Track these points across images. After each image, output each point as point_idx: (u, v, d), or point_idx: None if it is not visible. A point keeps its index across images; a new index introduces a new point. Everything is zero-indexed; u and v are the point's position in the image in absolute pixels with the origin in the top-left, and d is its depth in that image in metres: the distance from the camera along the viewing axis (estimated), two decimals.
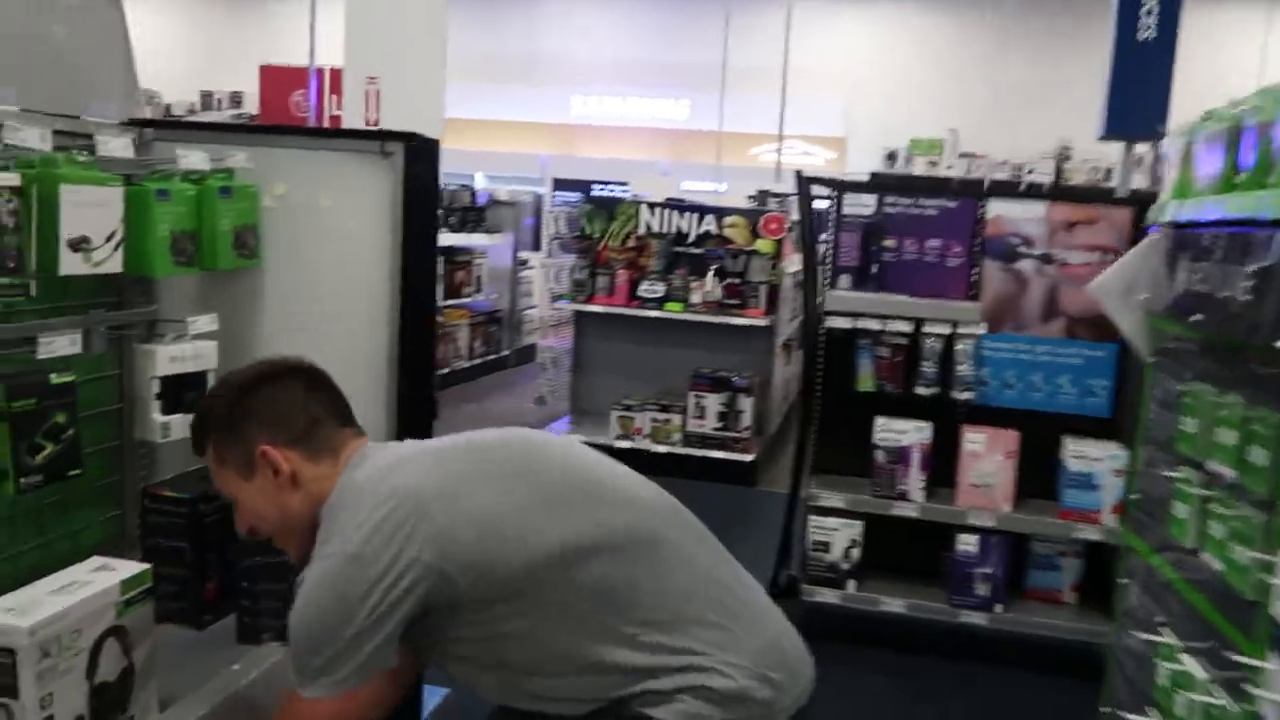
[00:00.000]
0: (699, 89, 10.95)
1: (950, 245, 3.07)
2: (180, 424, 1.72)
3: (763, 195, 6.46)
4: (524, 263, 8.08)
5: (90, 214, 1.51)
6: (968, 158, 13.07)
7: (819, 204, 3.30)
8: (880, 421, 2.95)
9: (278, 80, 13.38)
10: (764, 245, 5.16)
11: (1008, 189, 3.45)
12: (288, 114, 13.22)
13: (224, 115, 14.48)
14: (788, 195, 6.31)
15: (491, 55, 12.98)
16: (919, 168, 12.62)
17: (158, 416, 1.69)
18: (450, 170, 10.31)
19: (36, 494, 1.50)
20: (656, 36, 13.43)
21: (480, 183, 10.17)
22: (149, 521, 1.67)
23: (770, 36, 10.42)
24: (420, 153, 1.87)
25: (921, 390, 2.95)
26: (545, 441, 1.39)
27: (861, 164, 12.75)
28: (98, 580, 1.36)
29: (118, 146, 1.50)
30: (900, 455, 2.92)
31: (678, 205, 5.49)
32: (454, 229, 6.89)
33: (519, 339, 8.00)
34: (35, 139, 1.36)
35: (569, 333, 5.79)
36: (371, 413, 1.79)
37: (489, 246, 7.50)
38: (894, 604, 2.97)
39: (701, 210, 5.36)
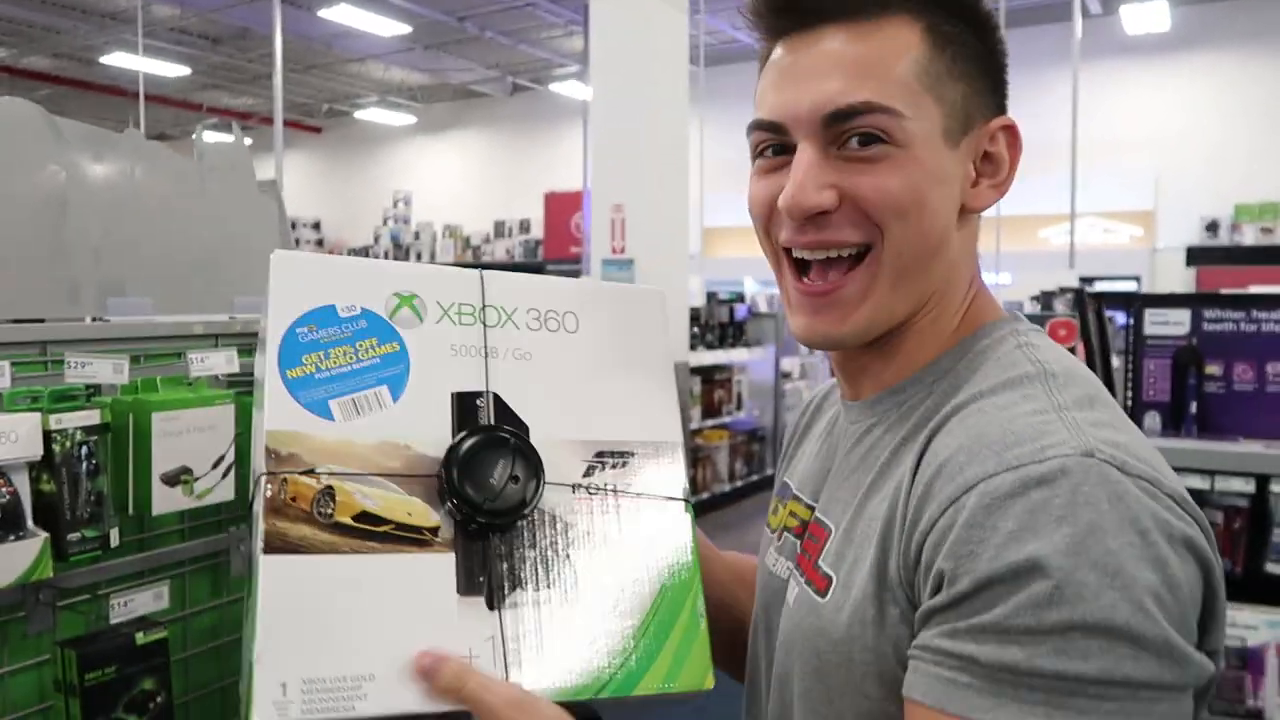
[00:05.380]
0: None
1: None
2: None
3: (1046, 297, 5.68)
4: (787, 375, 7.70)
5: (193, 440, 1.34)
6: None
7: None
8: None
9: (559, 206, 14.29)
10: None
11: None
12: (569, 236, 14.03)
13: (514, 241, 15.62)
14: (1080, 291, 5.51)
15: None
16: (1249, 237, 10.95)
17: None
18: (718, 278, 10.28)
19: None
20: None
21: (750, 287, 10.03)
22: None
23: (1062, 106, 9.49)
24: None
25: (1274, 568, 2.21)
26: None
27: (1174, 238, 11.27)
28: None
29: (216, 362, 1.33)
30: (1248, 659, 2.18)
31: None
32: (711, 346, 6.68)
33: None
34: (110, 371, 1.21)
35: None
36: None
37: (749, 361, 7.22)
38: None
39: None
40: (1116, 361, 2.79)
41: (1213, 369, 2.38)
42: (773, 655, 0.80)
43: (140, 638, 1.27)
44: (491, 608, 0.66)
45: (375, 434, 0.67)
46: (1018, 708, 0.56)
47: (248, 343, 1.73)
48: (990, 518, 0.59)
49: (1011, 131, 0.76)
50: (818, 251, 0.72)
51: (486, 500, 0.66)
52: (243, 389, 1.56)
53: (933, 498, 0.63)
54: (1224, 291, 3.29)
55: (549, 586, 0.68)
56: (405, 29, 11.82)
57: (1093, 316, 2.53)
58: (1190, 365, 2.38)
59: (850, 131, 0.69)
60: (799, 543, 0.80)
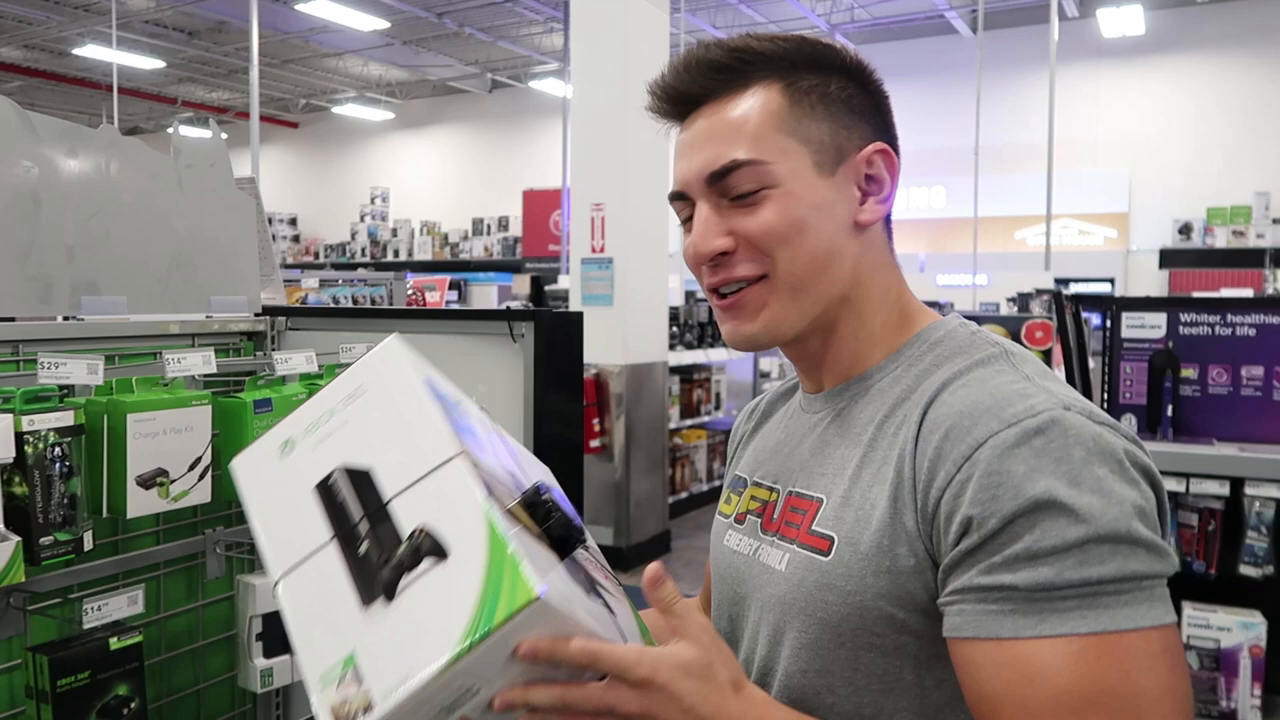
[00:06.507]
0: (958, 172, 10.26)
1: (1278, 373, 2.36)
2: (285, 669, 1.47)
3: (1023, 298, 5.72)
4: (766, 374, 7.71)
5: (169, 442, 1.32)
6: None
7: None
8: (1190, 612, 2.25)
9: (538, 203, 14.24)
10: None
11: None
12: (548, 234, 13.99)
13: (492, 239, 15.55)
14: (1055, 292, 5.56)
15: None
16: (1221, 239, 11.08)
17: (258, 661, 1.46)
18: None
19: None
20: (909, 122, 12.78)
21: None
22: None
23: (1036, 109, 9.58)
24: (557, 329, 1.57)
25: (1248, 570, 2.23)
26: None
27: (1147, 240, 11.39)
28: None
29: (192, 362, 1.31)
30: (1222, 660, 2.20)
31: None
32: (690, 346, 6.67)
33: None
34: (84, 372, 1.19)
35: None
36: None
37: (728, 361, 7.22)
38: None
39: None
40: (1092, 363, 2.81)
41: (1188, 372, 2.40)
42: (755, 618, 0.89)
43: (114, 642, 1.25)
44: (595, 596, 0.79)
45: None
46: (1058, 618, 0.68)
47: (224, 342, 1.70)
48: (1004, 464, 0.71)
49: (886, 154, 0.87)
50: (728, 286, 0.87)
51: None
52: (219, 389, 1.54)
53: (945, 458, 0.75)
54: (1199, 295, 3.32)
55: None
56: (384, 24, 11.74)
57: (1070, 319, 2.55)
58: (1166, 369, 2.41)
59: (732, 185, 0.83)
60: (760, 521, 0.91)
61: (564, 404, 1.58)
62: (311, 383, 1.54)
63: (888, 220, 0.90)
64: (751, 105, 0.84)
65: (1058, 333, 2.51)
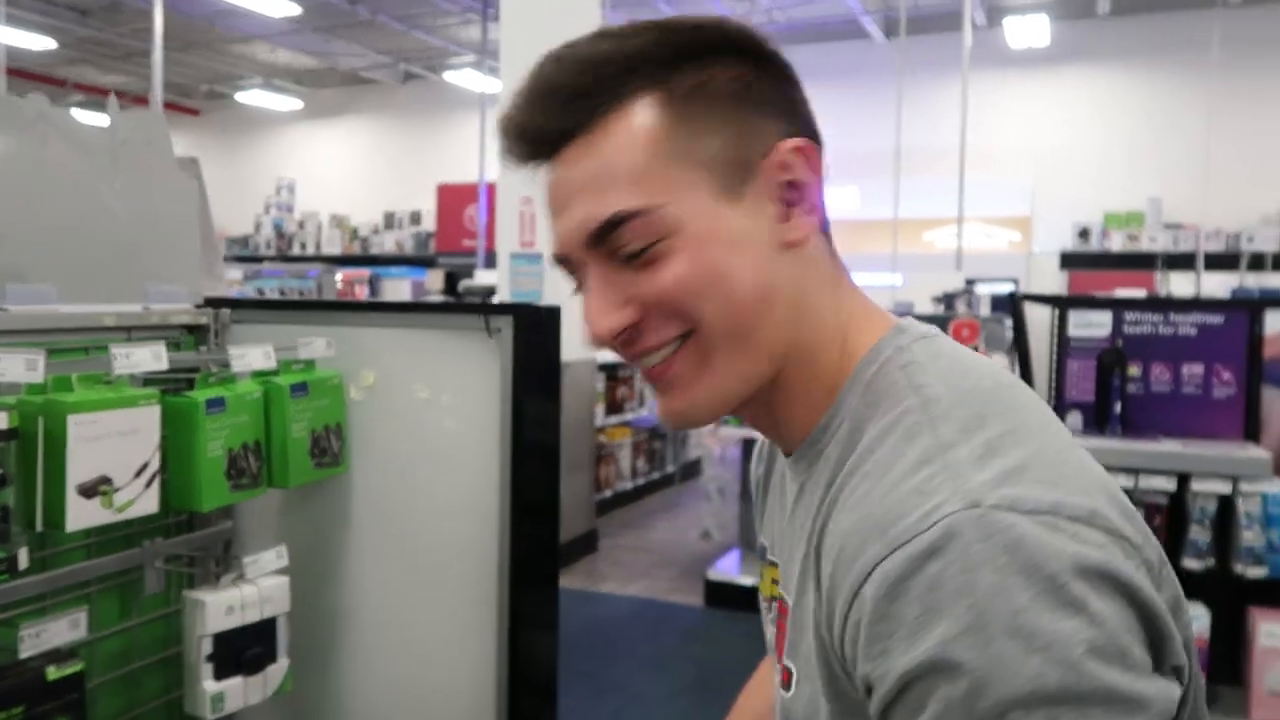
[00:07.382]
0: (870, 174, 10.45)
1: (1217, 371, 2.43)
2: (237, 692, 1.35)
3: (948, 298, 5.84)
4: None
5: (112, 446, 1.18)
6: (1174, 229, 11.88)
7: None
8: None
9: (452, 198, 13.97)
10: None
11: None
12: (461, 229, 13.73)
13: (405, 233, 15.18)
14: (973, 292, 5.67)
15: None
16: (1116, 243, 11.56)
17: (208, 685, 1.33)
18: None
19: None
20: (824, 122, 12.90)
21: None
22: None
23: (944, 115, 9.82)
24: (535, 325, 1.49)
25: (1191, 564, 2.29)
26: None
27: (1049, 243, 11.81)
28: None
29: (142, 358, 1.18)
30: None
31: None
32: None
33: (684, 453, 7.59)
34: (22, 368, 1.05)
35: (736, 446, 5.38)
36: (481, 638, 1.44)
37: None
38: None
39: None
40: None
41: (1132, 370, 2.45)
42: None
43: (52, 672, 1.12)
44: None
45: None
46: None
47: (163, 336, 1.56)
48: (892, 606, 0.55)
49: (803, 151, 0.69)
50: (648, 358, 0.70)
51: None
52: (166, 387, 1.40)
53: (838, 589, 0.60)
54: (1143, 295, 3.42)
55: None
56: (295, 9, 11.33)
57: (1020, 327, 2.58)
58: (1115, 366, 2.45)
59: (619, 243, 0.67)
60: (775, 619, 0.78)
61: (542, 405, 1.50)
62: (266, 380, 1.42)
63: (824, 221, 0.73)
64: (624, 139, 0.66)
65: (1014, 334, 2.54)
